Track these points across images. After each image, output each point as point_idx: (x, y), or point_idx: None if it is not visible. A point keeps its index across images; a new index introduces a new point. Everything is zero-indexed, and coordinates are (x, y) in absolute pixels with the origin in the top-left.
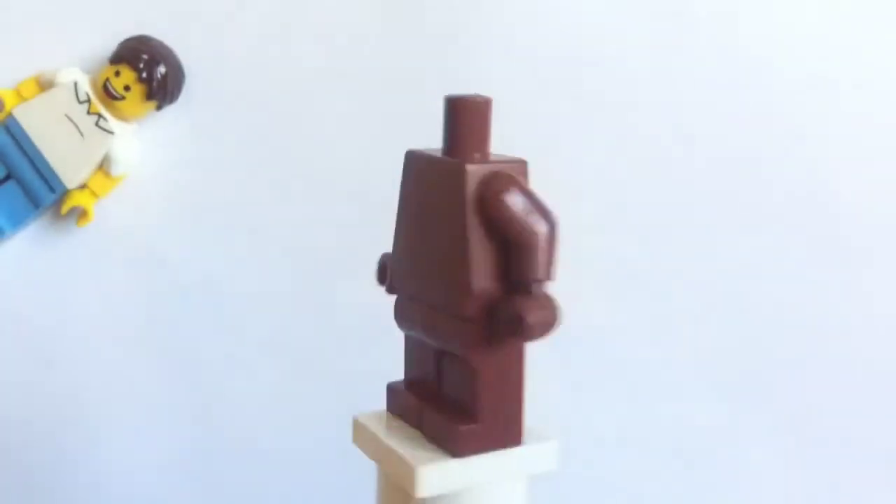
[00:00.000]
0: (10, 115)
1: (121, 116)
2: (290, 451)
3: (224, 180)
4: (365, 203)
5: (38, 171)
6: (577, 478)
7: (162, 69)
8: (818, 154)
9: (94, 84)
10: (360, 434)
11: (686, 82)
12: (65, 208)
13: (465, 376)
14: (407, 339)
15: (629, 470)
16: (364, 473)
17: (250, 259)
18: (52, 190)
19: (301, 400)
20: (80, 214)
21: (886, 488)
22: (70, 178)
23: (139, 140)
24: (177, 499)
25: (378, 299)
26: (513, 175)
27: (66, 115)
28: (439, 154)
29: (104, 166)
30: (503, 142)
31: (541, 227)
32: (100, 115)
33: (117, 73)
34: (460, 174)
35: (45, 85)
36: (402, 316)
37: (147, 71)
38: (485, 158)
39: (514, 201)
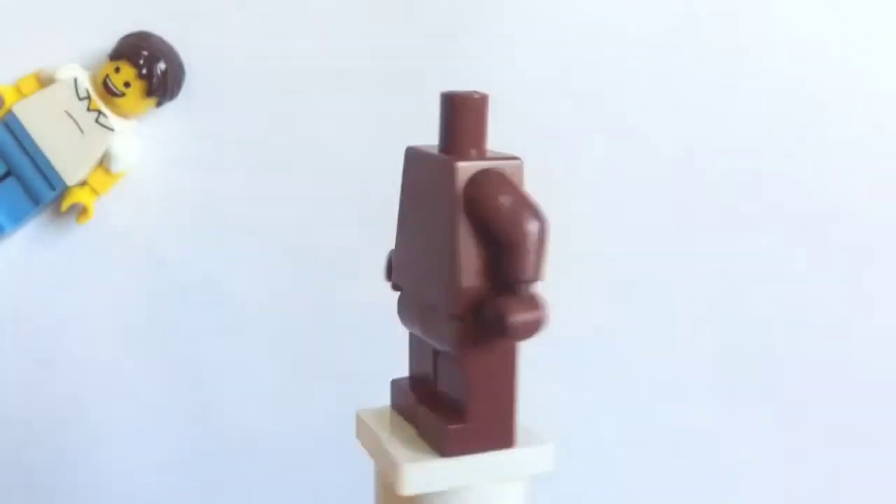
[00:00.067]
0: (9, 112)
1: (121, 113)
2: (290, 451)
3: (224, 177)
4: (365, 203)
5: (37, 167)
6: (577, 478)
7: (162, 66)
8: (818, 154)
9: (94, 80)
10: (361, 429)
11: (686, 82)
12: (65, 205)
13: (458, 375)
14: (410, 335)
15: (629, 470)
16: (364, 473)
17: (250, 259)
18: (52, 187)
19: (301, 400)
20: (80, 211)
21: (886, 488)
22: (70, 175)
23: (139, 137)
24: (177, 499)
25: (378, 299)
26: (504, 173)
27: (66, 112)
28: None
29: (104, 163)
30: (503, 142)
31: (530, 227)
32: (100, 112)
33: (117, 70)
34: (451, 171)
35: (45, 81)
36: (403, 312)
37: (147, 67)
38: (481, 155)
39: (504, 200)
